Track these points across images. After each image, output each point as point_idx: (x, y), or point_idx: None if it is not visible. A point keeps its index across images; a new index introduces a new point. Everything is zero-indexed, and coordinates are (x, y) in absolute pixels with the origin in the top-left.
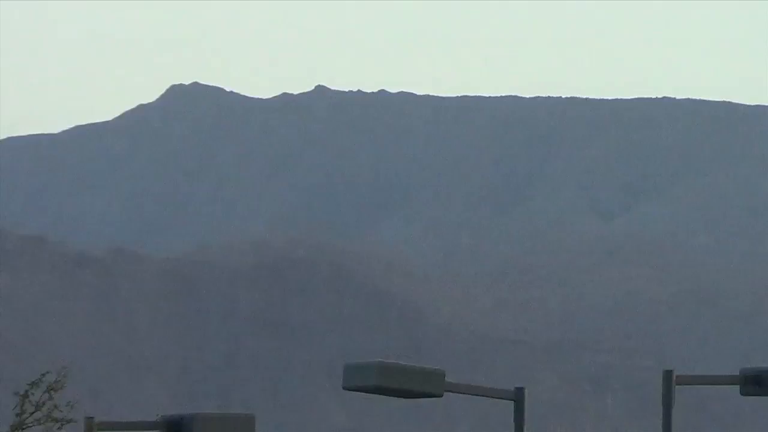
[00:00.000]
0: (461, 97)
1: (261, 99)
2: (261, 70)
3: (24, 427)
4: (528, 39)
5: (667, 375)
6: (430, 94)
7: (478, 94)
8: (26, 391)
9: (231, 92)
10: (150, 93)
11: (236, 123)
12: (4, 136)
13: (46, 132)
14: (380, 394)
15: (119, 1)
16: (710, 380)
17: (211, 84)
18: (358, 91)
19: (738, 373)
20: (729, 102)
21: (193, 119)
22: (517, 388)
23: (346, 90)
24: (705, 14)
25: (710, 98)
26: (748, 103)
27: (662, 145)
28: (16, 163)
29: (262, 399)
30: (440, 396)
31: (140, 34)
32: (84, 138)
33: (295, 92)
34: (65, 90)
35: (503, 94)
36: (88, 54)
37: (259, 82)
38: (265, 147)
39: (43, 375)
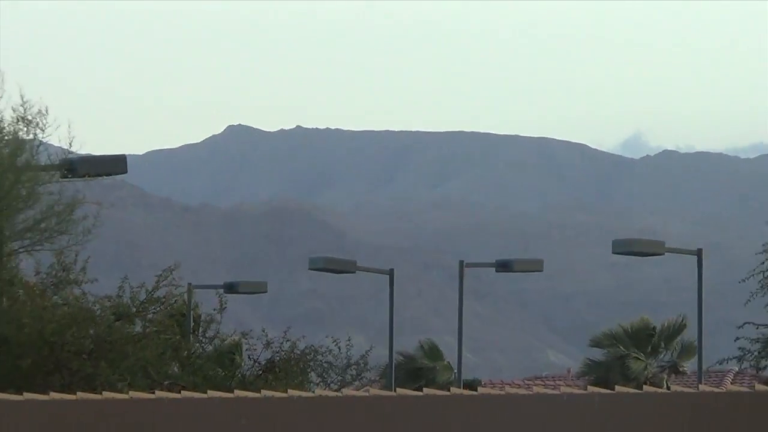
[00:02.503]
0: (363, 131)
1: (270, 132)
2: (274, 114)
3: (155, 293)
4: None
5: (461, 263)
6: (340, 128)
7: (365, 129)
8: (159, 276)
9: (258, 129)
10: (218, 127)
11: (257, 150)
12: (146, 151)
13: (163, 147)
14: (327, 272)
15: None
16: (480, 265)
17: (246, 124)
18: (315, 128)
19: (495, 261)
20: (479, 132)
21: (241, 143)
22: (390, 269)
23: (310, 127)
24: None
25: (473, 130)
26: (492, 132)
27: (455, 155)
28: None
29: (275, 278)
30: (354, 272)
31: (215, 92)
32: (179, 159)
33: (272, 130)
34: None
35: (385, 129)
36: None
37: (272, 121)
38: (273, 157)
39: (170, 267)
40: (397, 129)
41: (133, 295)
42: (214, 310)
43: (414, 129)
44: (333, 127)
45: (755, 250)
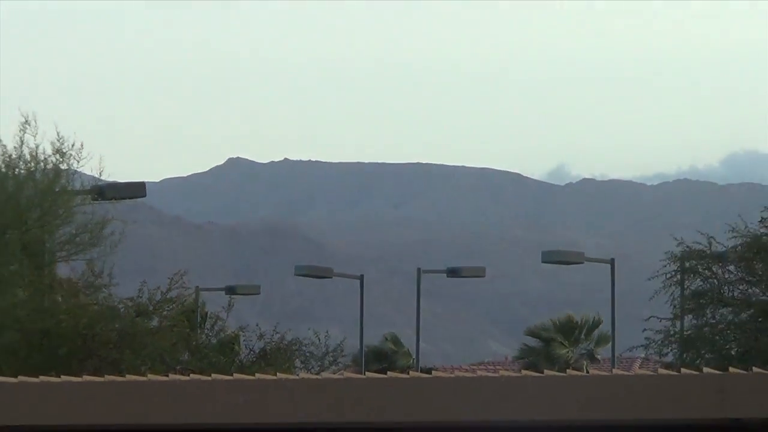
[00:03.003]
0: (338, 162)
1: (262, 163)
2: (266, 149)
3: (168, 294)
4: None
5: (418, 270)
6: (320, 160)
7: (340, 161)
8: (171, 280)
9: (253, 161)
10: (220, 159)
11: (252, 178)
12: (161, 178)
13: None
14: (309, 277)
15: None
16: (434, 271)
17: (244, 157)
18: (299, 160)
19: (446, 268)
20: (432, 163)
21: (239, 172)
22: (360, 275)
23: (296, 159)
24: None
25: (428, 162)
26: (443, 163)
27: (413, 182)
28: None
29: (267, 282)
30: (331, 278)
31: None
32: (188, 185)
33: (264, 161)
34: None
35: (356, 161)
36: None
37: (264, 154)
38: (266, 183)
39: (180, 273)
40: (366, 161)
41: (151, 296)
42: (222, 308)
43: (380, 161)
44: (314, 159)
45: (658, 258)
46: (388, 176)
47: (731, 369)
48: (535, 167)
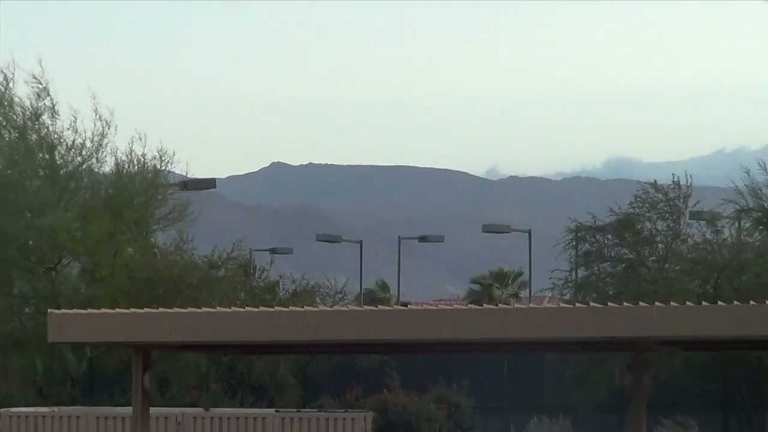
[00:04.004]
0: (347, 165)
1: (294, 165)
2: (297, 155)
3: (231, 254)
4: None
5: (399, 238)
6: (333, 163)
7: (348, 164)
8: (234, 245)
9: (288, 164)
10: (266, 162)
11: (287, 175)
12: (226, 176)
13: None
14: (326, 242)
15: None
16: (410, 238)
17: (282, 161)
18: (320, 163)
19: (417, 236)
20: (410, 165)
21: (278, 172)
22: (360, 241)
23: (317, 163)
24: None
25: (406, 165)
26: (417, 166)
27: (397, 180)
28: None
29: (299, 245)
30: (340, 242)
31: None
32: (244, 180)
33: (296, 164)
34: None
35: (357, 164)
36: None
37: (296, 159)
38: (296, 180)
39: (239, 240)
40: (364, 164)
41: (219, 255)
42: (267, 263)
43: (374, 164)
44: (330, 163)
45: (560, 230)
46: (380, 174)
47: (609, 303)
48: (477, 167)
